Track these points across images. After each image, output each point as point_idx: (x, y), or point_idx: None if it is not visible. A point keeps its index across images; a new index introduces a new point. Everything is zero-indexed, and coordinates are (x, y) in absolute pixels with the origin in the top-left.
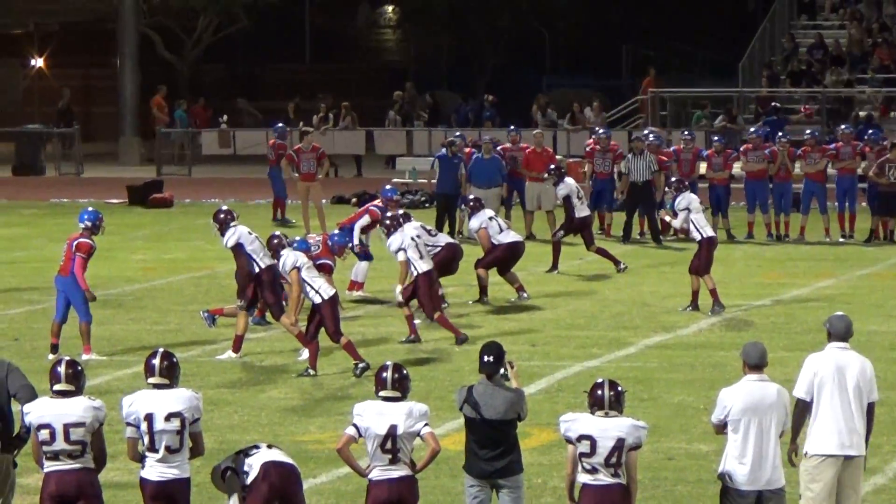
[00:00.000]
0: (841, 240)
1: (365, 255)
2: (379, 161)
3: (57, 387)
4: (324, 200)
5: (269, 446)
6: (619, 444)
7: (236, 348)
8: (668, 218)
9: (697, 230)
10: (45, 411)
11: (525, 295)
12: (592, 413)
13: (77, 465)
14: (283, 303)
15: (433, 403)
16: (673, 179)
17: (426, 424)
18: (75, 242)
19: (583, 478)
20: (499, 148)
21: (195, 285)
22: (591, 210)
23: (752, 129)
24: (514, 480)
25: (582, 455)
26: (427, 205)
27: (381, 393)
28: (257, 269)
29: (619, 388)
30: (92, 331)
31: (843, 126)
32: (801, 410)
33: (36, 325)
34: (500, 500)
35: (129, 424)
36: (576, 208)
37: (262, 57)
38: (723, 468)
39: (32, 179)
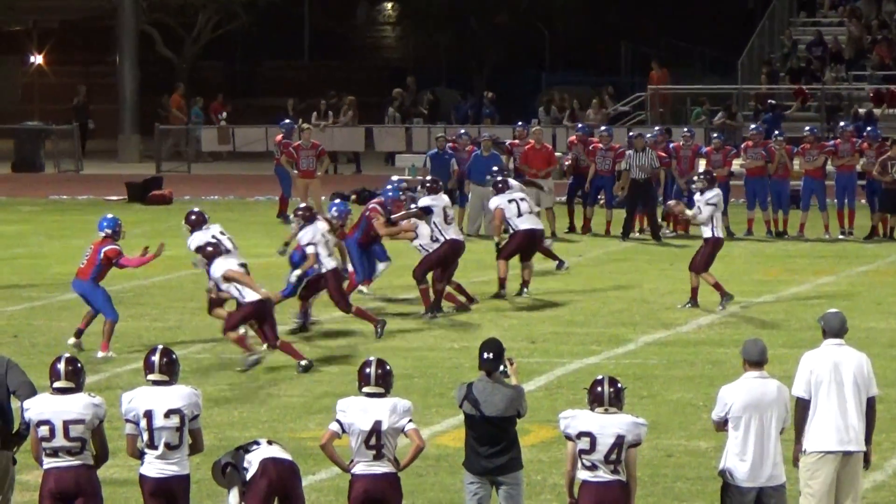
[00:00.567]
0: (840, 236)
1: (383, 255)
2: (378, 158)
3: (57, 384)
4: (323, 197)
5: (269, 442)
6: (619, 441)
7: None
8: (682, 208)
9: (712, 228)
10: (45, 408)
11: (525, 291)
12: (592, 410)
13: (76, 462)
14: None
15: (433, 400)
16: (702, 171)
17: (410, 420)
18: (103, 250)
19: (582, 474)
20: (506, 144)
21: (194, 282)
22: (589, 206)
23: (754, 126)
24: (513, 477)
25: (582, 452)
26: None
27: (365, 389)
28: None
29: (619, 385)
30: (92, 328)
31: (842, 123)
32: (802, 409)
33: (35, 321)
34: (500, 497)
35: (128, 421)
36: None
37: (261, 54)
38: (723, 465)
39: (32, 176)
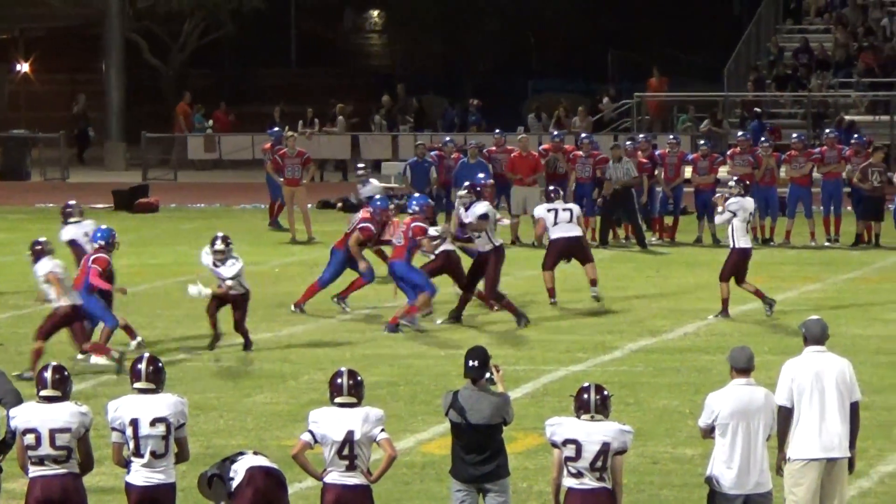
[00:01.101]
0: (826, 244)
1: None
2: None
3: (43, 392)
4: (309, 205)
5: (255, 453)
6: (605, 449)
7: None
8: (719, 206)
9: (731, 238)
10: (31, 416)
11: (553, 300)
12: (578, 417)
13: (62, 471)
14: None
15: (419, 408)
16: (735, 179)
17: (382, 430)
18: (92, 257)
19: (568, 482)
20: (484, 151)
21: (181, 290)
22: None
23: (741, 133)
24: (500, 484)
25: (567, 459)
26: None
27: (337, 399)
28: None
29: (605, 392)
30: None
31: (828, 130)
32: (785, 417)
33: (21, 330)
34: None
35: (114, 429)
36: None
37: (248, 62)
38: (710, 472)
39: (18, 184)
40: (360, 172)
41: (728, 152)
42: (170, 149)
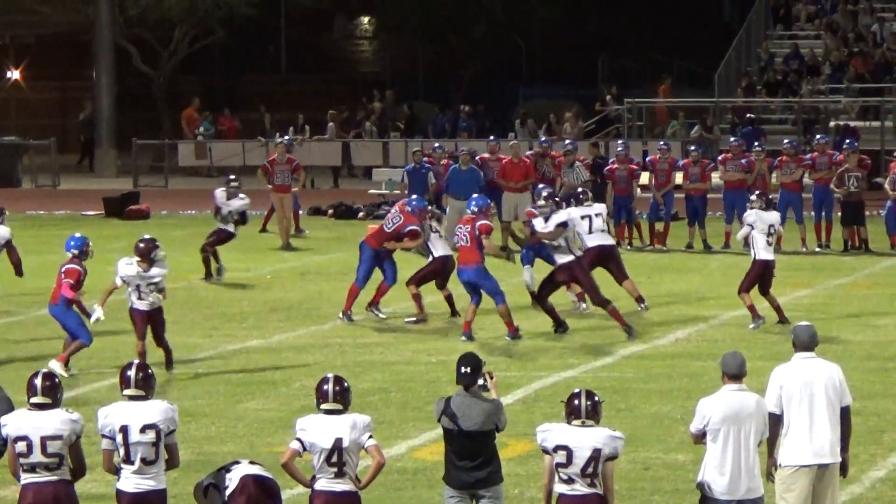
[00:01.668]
0: (817, 249)
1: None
2: (355, 172)
3: (34, 399)
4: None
5: (251, 462)
6: (596, 455)
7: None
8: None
9: (752, 249)
10: (22, 424)
11: (583, 306)
12: (569, 423)
13: (54, 478)
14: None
15: (410, 414)
16: (757, 193)
17: (370, 437)
18: (64, 269)
19: (559, 488)
20: (477, 158)
21: (172, 297)
22: None
23: (733, 139)
24: (494, 491)
25: (558, 465)
26: None
27: (323, 406)
28: None
29: (596, 398)
30: (67, 343)
31: (818, 136)
32: (774, 424)
33: (10, 336)
34: None
35: (104, 436)
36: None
37: (239, 69)
38: (701, 478)
39: (9, 191)
40: (233, 184)
41: (720, 157)
42: (160, 156)
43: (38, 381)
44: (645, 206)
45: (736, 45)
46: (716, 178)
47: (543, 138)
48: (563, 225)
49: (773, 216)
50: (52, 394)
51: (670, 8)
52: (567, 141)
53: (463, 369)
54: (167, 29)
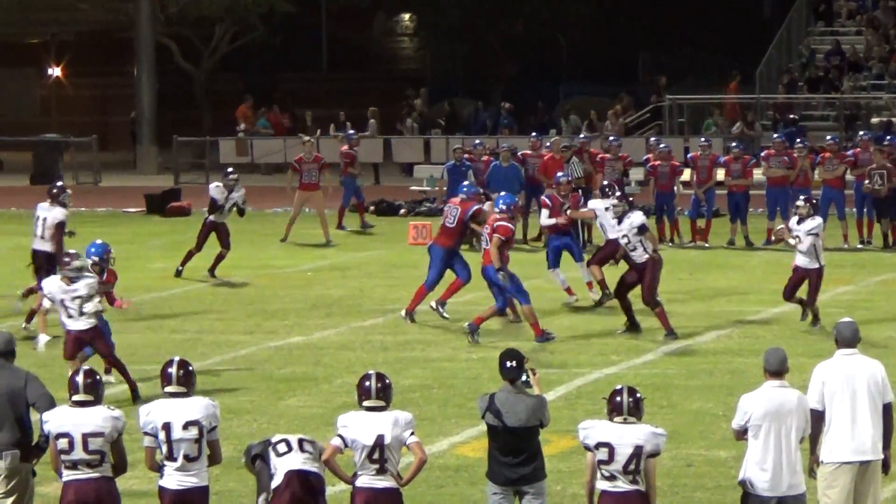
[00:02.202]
0: (859, 246)
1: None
2: (396, 168)
3: (76, 397)
4: (326, 210)
5: (301, 445)
6: (638, 452)
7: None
8: (788, 239)
9: (817, 258)
10: (64, 420)
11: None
12: (611, 419)
13: (95, 475)
14: None
15: (452, 411)
16: (803, 199)
17: (412, 433)
18: None
19: (601, 485)
20: (518, 154)
21: (213, 294)
22: None
23: (776, 135)
24: (537, 487)
25: (600, 462)
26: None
27: (366, 403)
28: None
29: (638, 395)
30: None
31: (861, 132)
32: (816, 420)
33: (54, 334)
34: None
35: (146, 434)
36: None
37: (279, 66)
38: (743, 475)
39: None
40: (232, 177)
41: (762, 154)
42: (201, 152)
43: (80, 379)
44: (686, 203)
45: (777, 42)
46: (758, 174)
47: (583, 135)
48: (644, 228)
49: (820, 220)
50: (94, 391)
51: (710, 5)
52: (611, 138)
53: (508, 363)
54: (207, 26)
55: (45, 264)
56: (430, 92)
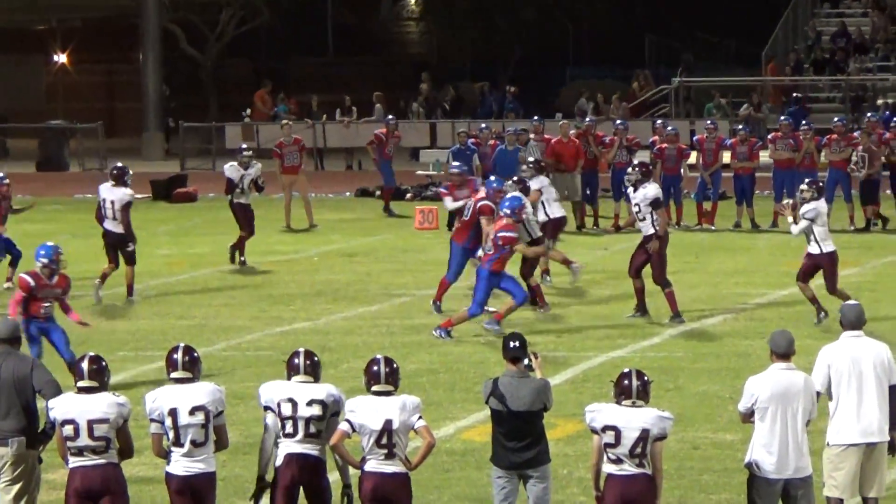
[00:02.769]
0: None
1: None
2: (402, 153)
3: (81, 383)
4: (312, 194)
5: (307, 431)
6: (644, 435)
7: None
8: (787, 216)
9: (817, 243)
10: (70, 407)
11: (548, 279)
12: (619, 403)
13: (102, 461)
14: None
15: (458, 395)
16: (808, 182)
17: (420, 418)
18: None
19: (608, 468)
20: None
21: (220, 279)
22: (615, 200)
23: (783, 117)
24: (542, 470)
25: (607, 445)
26: None
27: (374, 388)
28: None
29: (646, 378)
30: (117, 326)
31: (868, 114)
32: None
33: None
34: (528, 491)
35: (153, 420)
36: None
37: (285, 51)
38: (750, 457)
39: (56, 175)
40: (246, 153)
41: (770, 136)
42: (208, 138)
43: (85, 365)
44: (692, 185)
45: (783, 24)
46: (764, 156)
47: (589, 118)
48: (658, 202)
49: (825, 205)
50: (99, 377)
51: None
52: (618, 121)
53: (511, 344)
54: (214, 11)
55: (116, 243)
56: (435, 76)
